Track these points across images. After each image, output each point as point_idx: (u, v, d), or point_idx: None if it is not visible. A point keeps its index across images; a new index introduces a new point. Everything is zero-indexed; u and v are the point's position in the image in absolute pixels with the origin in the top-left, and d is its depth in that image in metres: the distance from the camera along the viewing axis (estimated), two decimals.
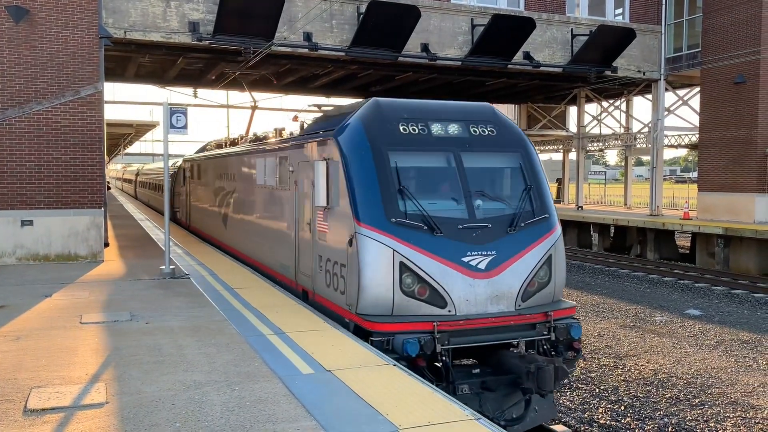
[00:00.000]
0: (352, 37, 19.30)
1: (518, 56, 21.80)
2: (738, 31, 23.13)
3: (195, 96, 28.29)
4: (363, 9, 18.99)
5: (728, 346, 12.82)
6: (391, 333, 7.73)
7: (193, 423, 5.26)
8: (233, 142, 17.57)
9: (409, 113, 9.02)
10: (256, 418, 5.35)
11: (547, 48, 22.62)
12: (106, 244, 15.82)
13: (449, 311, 7.99)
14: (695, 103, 26.55)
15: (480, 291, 8.08)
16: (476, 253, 8.17)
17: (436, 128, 8.94)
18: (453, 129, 9.01)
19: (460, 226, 8.25)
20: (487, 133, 9.17)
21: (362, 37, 19.10)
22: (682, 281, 20.21)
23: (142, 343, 7.70)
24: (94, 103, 14.40)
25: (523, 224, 8.56)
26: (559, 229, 8.89)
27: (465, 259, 8.11)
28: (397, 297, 7.96)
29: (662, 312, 16.01)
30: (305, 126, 11.30)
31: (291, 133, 12.40)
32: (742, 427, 9.08)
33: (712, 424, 9.18)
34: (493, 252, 8.25)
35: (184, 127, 12.56)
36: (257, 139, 14.77)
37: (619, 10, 25.63)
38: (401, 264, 7.93)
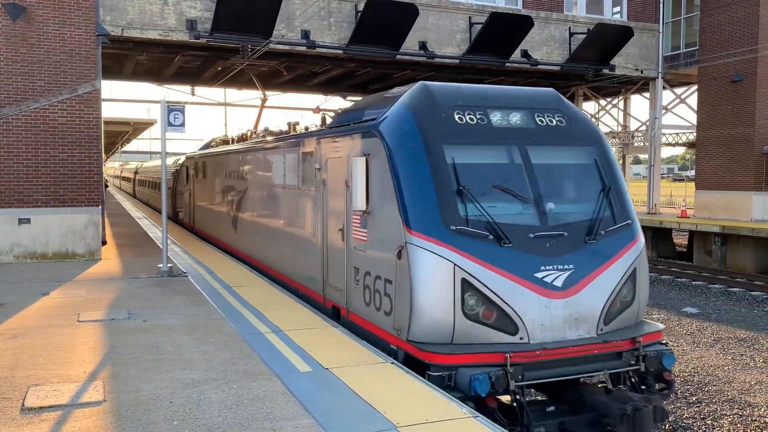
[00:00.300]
0: (349, 35, 19.29)
1: (516, 54, 21.80)
2: (735, 29, 23.16)
3: (192, 94, 28.24)
4: (361, 7, 18.98)
5: (725, 344, 12.85)
6: (453, 366, 6.46)
7: (191, 421, 5.26)
8: (242, 138, 16.66)
9: (464, 99, 7.74)
10: (253, 416, 5.36)
11: (545, 46, 22.63)
12: (104, 243, 15.81)
13: (521, 338, 6.74)
14: (693, 101, 26.60)
15: (557, 313, 6.82)
16: (551, 267, 6.92)
17: (496, 117, 7.67)
18: (516, 118, 7.75)
19: (532, 235, 7.01)
20: (555, 123, 7.91)
21: (360, 35, 19.09)
22: (680, 279, 20.24)
23: (139, 341, 7.70)
24: (91, 100, 14.38)
25: (603, 232, 7.33)
26: (642, 237, 7.68)
27: (538, 275, 6.85)
28: (458, 321, 6.70)
29: (659, 310, 16.04)
30: (327, 119, 10.37)
31: (306, 128, 11.48)
32: (738, 425, 9.11)
33: (708, 422, 9.20)
34: (571, 266, 6.99)
35: (182, 125, 12.55)
36: (271, 134, 13.73)
37: (617, 9, 25.65)
38: (463, 281, 6.68)
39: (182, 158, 24.71)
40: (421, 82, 7.99)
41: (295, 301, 9.93)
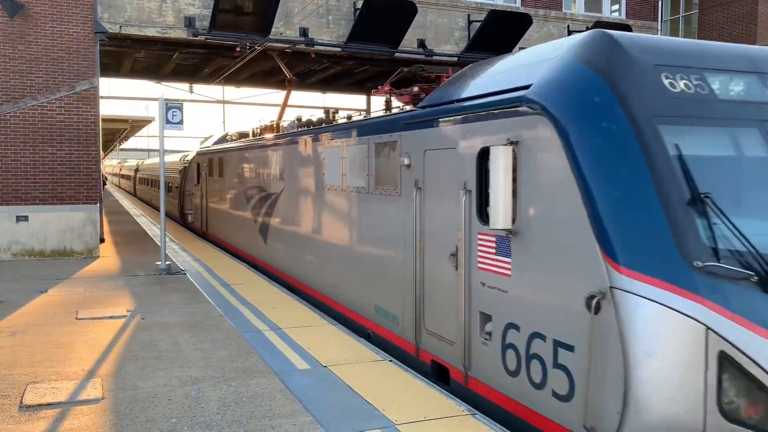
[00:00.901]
0: (348, 32, 19.30)
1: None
2: (734, 27, 23.16)
3: (191, 91, 28.21)
4: (359, 4, 18.99)
5: None
6: None
7: (190, 418, 5.26)
8: (268, 130, 14.70)
9: (670, 56, 5.12)
10: (252, 414, 5.36)
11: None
12: (102, 240, 15.79)
13: None
14: None
15: None
16: None
17: (716, 84, 5.12)
18: (743, 87, 5.21)
19: None
20: None
21: (358, 32, 19.09)
22: None
23: (138, 338, 7.69)
24: (89, 98, 14.36)
25: None
26: None
27: None
28: (711, 423, 4.15)
29: None
30: (393, 98, 8.30)
31: (341, 117, 9.67)
32: None
33: None
34: None
35: (180, 122, 12.54)
36: (309, 123, 11.64)
37: (616, 7, 25.67)
38: (722, 356, 4.13)
39: (191, 154, 22.94)
40: (597, 30, 5.34)
41: (293, 299, 9.92)
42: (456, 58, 21.24)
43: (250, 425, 5.12)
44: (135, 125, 41.69)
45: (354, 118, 9.90)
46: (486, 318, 5.73)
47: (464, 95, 6.41)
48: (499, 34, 20.78)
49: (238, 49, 17.37)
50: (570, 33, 23.02)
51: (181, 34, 17.81)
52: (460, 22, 21.31)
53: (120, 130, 45.83)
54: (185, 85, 27.97)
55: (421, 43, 20.67)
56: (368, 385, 6.04)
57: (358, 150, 8.46)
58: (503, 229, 5.30)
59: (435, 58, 20.96)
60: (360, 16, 18.85)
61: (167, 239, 17.24)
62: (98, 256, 14.44)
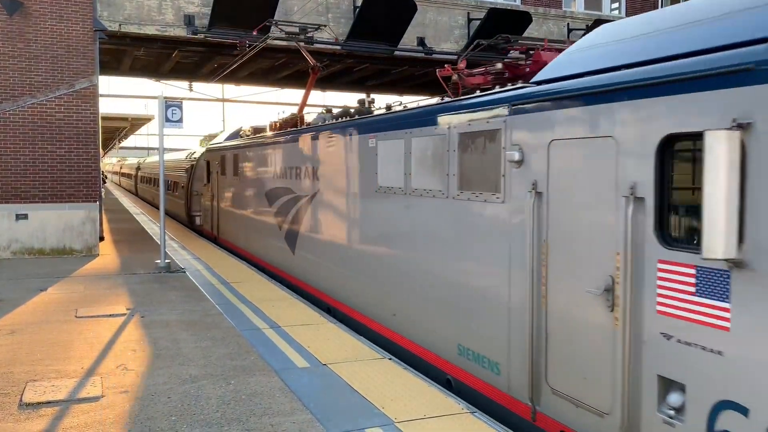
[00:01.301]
0: (348, 30, 19.30)
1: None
2: None
3: (190, 89, 28.18)
4: (359, 2, 19.00)
5: None
6: None
7: (189, 416, 5.27)
8: (290, 123, 12.96)
9: None
10: (251, 412, 5.36)
11: None
12: (102, 239, 15.80)
13: None
14: None
15: None
16: None
17: None
18: None
19: None
20: None
21: (358, 31, 19.09)
22: None
23: (137, 336, 7.70)
24: (88, 96, 14.36)
25: None
26: None
27: None
28: None
29: None
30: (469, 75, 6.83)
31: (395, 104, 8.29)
32: None
33: None
34: None
35: (180, 120, 12.54)
36: (347, 113, 10.28)
37: (615, 5, 25.67)
38: None
39: (199, 151, 21.95)
40: None
41: (292, 298, 9.93)
42: (455, 57, 21.24)
43: (250, 423, 5.13)
44: (134, 123, 41.62)
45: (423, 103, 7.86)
46: (671, 386, 4.07)
47: (621, 62, 4.59)
48: (498, 33, 20.79)
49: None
50: (570, 31, 23.02)
51: (180, 32, 17.80)
52: (460, 20, 21.31)
53: (119, 128, 45.74)
54: (185, 83, 27.92)
55: (421, 42, 20.67)
56: (368, 383, 6.05)
57: (432, 143, 6.74)
58: (730, 260, 3.60)
59: (434, 56, 20.96)
60: (360, 15, 18.85)
61: (167, 238, 17.24)
62: (98, 255, 14.45)
